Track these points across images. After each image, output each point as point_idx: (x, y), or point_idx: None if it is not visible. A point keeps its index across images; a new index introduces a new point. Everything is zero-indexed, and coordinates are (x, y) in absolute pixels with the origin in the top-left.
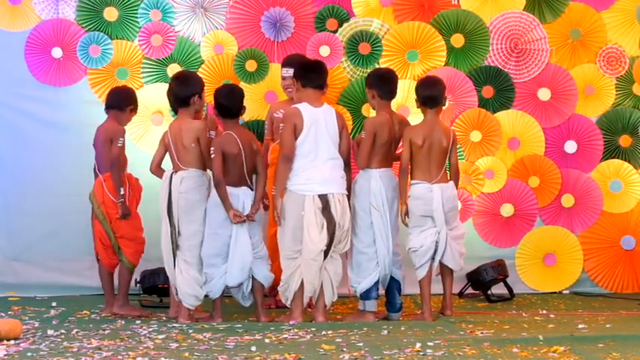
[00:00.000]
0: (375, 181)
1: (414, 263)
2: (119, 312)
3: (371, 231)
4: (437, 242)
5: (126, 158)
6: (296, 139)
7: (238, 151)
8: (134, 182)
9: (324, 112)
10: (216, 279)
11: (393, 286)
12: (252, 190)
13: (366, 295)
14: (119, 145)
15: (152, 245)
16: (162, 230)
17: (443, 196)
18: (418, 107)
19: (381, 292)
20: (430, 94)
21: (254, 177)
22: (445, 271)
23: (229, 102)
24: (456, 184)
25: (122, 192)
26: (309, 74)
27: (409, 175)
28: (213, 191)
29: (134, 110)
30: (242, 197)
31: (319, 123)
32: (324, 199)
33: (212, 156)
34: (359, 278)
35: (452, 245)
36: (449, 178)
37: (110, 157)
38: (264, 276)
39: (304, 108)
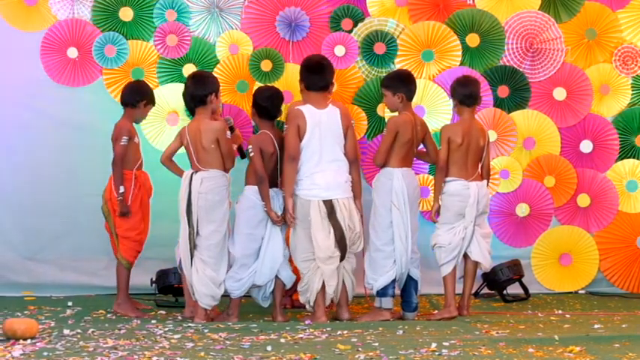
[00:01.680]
0: (398, 180)
1: (439, 259)
2: (118, 310)
3: (390, 229)
4: (462, 239)
5: (138, 156)
6: (300, 140)
7: (274, 151)
8: (142, 180)
9: (327, 113)
10: (245, 279)
11: (410, 285)
12: (282, 190)
13: (382, 293)
14: (122, 143)
15: (169, 245)
16: (180, 230)
17: (479, 193)
18: (455, 106)
19: (397, 291)
20: (469, 92)
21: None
22: (469, 272)
23: (269, 104)
24: (487, 184)
25: (121, 190)
26: (312, 77)
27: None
28: (247, 192)
29: (149, 104)
30: (275, 198)
31: (322, 125)
32: (328, 204)
33: (251, 155)
34: (375, 275)
35: (481, 243)
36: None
37: (114, 155)
38: (288, 276)
39: (307, 110)
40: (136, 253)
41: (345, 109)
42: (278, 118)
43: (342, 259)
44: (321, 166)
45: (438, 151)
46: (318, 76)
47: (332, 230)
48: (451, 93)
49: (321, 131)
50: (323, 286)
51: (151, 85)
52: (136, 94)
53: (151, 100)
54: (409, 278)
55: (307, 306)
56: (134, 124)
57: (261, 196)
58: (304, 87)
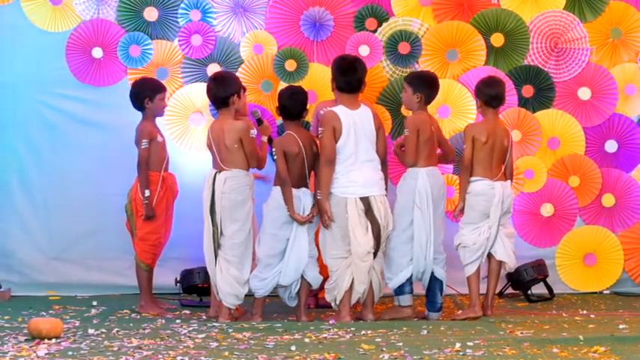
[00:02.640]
0: (422, 180)
1: (464, 259)
2: (141, 311)
3: (409, 229)
4: (487, 239)
5: (164, 155)
6: (336, 142)
7: (299, 151)
8: (169, 183)
9: (360, 114)
10: (269, 278)
11: (435, 285)
12: (310, 190)
13: (399, 291)
14: (143, 146)
15: (192, 245)
16: (204, 230)
17: (504, 193)
18: (480, 107)
19: (422, 291)
20: (495, 93)
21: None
22: (493, 272)
23: (289, 103)
24: (511, 184)
25: (147, 194)
26: (344, 78)
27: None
28: (274, 193)
29: (155, 95)
30: (302, 198)
31: (357, 126)
32: (365, 201)
33: (274, 157)
34: (391, 274)
35: (506, 242)
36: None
37: (138, 158)
38: (314, 277)
39: (341, 112)
40: (154, 257)
41: (374, 109)
42: (304, 118)
43: (374, 256)
44: (357, 165)
45: (452, 149)
46: (350, 77)
47: (369, 226)
48: (476, 93)
49: (356, 132)
50: (350, 286)
51: (149, 75)
52: (136, 96)
53: (154, 91)
54: (434, 278)
55: (333, 304)
56: (158, 118)
57: (284, 198)
58: (336, 87)
